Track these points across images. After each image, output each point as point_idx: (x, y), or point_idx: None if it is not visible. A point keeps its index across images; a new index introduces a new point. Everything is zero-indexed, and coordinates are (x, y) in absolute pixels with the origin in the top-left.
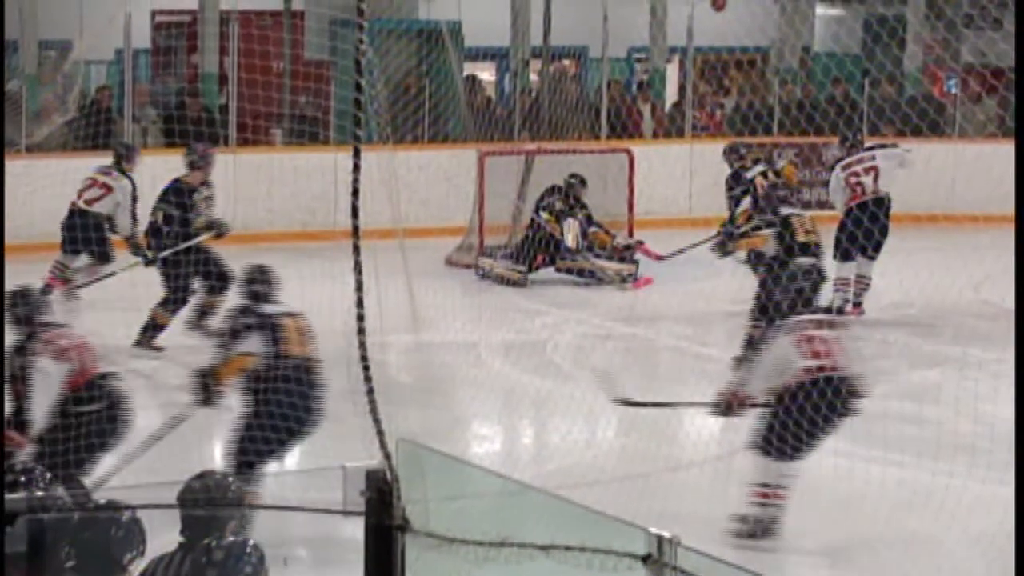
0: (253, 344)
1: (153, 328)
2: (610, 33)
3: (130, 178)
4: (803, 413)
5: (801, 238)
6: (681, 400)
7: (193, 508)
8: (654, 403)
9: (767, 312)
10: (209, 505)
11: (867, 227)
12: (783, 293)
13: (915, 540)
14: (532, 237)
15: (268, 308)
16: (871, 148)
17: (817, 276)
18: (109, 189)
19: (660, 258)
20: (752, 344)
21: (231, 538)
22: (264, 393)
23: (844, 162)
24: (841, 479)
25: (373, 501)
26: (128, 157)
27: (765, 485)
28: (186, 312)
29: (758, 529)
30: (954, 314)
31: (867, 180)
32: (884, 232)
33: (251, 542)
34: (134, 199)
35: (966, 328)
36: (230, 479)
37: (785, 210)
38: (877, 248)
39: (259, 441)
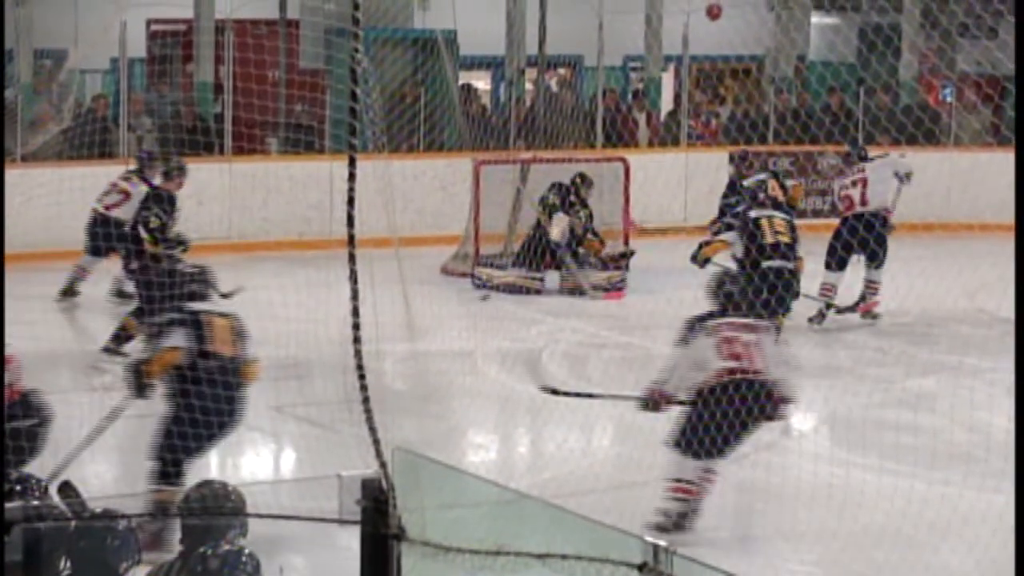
0: (178, 339)
1: (123, 336)
2: (605, 42)
3: (150, 185)
4: (716, 414)
5: (768, 239)
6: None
7: (189, 517)
8: (577, 393)
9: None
10: (205, 514)
11: (863, 236)
12: (741, 295)
13: (911, 548)
14: (538, 239)
15: (197, 306)
16: (872, 160)
17: (787, 276)
18: (128, 195)
19: (644, 230)
20: None
21: (227, 547)
22: (187, 395)
23: (843, 178)
24: (837, 487)
25: (369, 510)
26: (149, 165)
27: (679, 480)
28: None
29: (670, 524)
30: (949, 322)
31: (855, 192)
32: (879, 241)
33: (247, 551)
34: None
35: (961, 337)
36: (230, 489)
37: (754, 212)
38: (873, 257)
39: (180, 438)
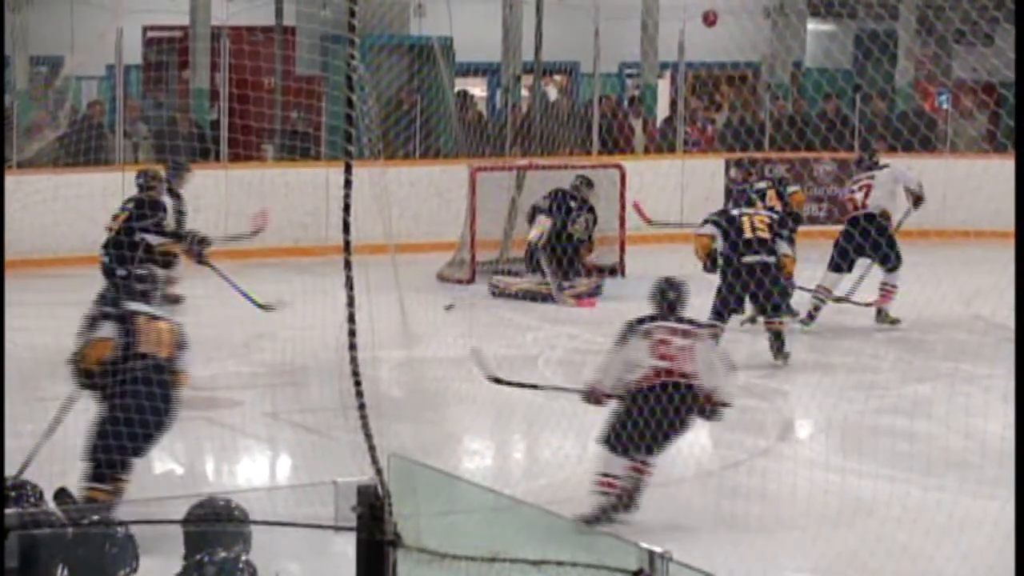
0: (107, 331)
1: None
2: (601, 48)
3: (177, 195)
4: (644, 411)
5: (747, 235)
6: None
7: (186, 526)
8: (520, 383)
9: (724, 316)
10: (201, 523)
11: (858, 242)
12: (680, 303)
13: (906, 555)
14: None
15: (136, 306)
16: (882, 168)
17: (769, 271)
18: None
19: (650, 221)
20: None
21: (223, 554)
22: (118, 394)
23: (850, 182)
24: (832, 494)
25: (365, 516)
26: (177, 175)
27: (605, 475)
28: None
29: (594, 517)
30: (945, 329)
31: (859, 196)
32: (878, 246)
33: (243, 558)
34: (180, 213)
35: (957, 343)
36: (232, 505)
37: (736, 211)
38: (885, 260)
39: (114, 438)
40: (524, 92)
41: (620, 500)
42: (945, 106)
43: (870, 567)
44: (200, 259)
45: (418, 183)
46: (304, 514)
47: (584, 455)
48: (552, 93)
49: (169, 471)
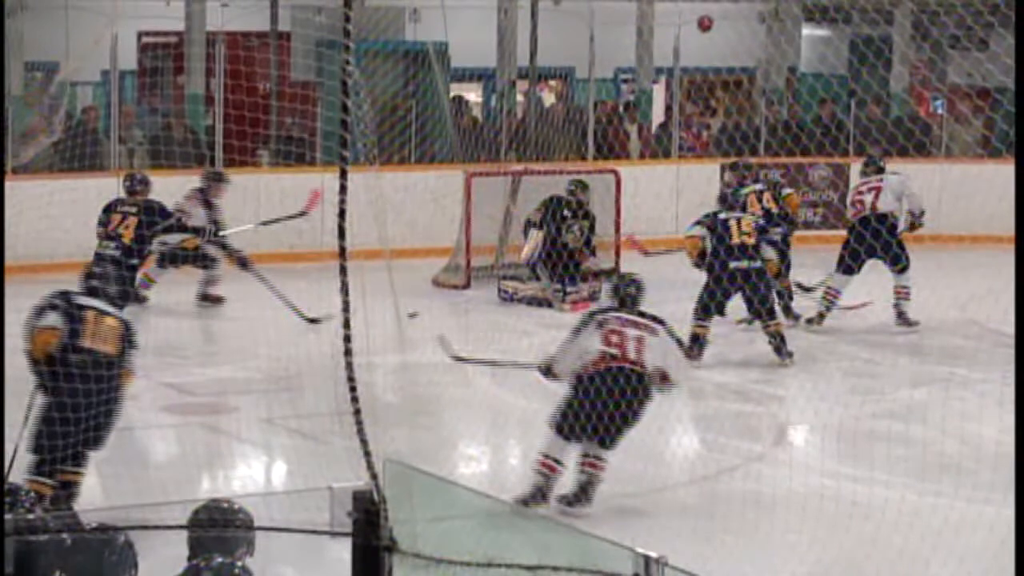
0: (52, 320)
1: None
2: (596, 54)
3: (212, 205)
4: (591, 392)
5: (735, 240)
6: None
7: (188, 531)
8: (480, 360)
9: (710, 311)
10: (197, 528)
11: (870, 243)
12: (637, 296)
13: (901, 560)
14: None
15: (84, 300)
16: (893, 174)
17: (753, 277)
18: (185, 213)
19: (647, 253)
20: (697, 341)
21: (219, 559)
22: (58, 388)
23: (858, 183)
24: (828, 499)
25: (360, 522)
26: (214, 185)
27: (547, 457)
28: None
29: (529, 496)
30: (940, 334)
31: (868, 197)
32: (888, 247)
33: (239, 564)
34: (215, 223)
35: (952, 348)
36: (237, 507)
37: (723, 215)
38: (895, 261)
39: (54, 430)
40: (519, 97)
41: (548, 483)
42: (940, 111)
43: (866, 572)
44: (244, 265)
45: (413, 188)
46: (299, 519)
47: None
48: (547, 98)
49: (165, 476)
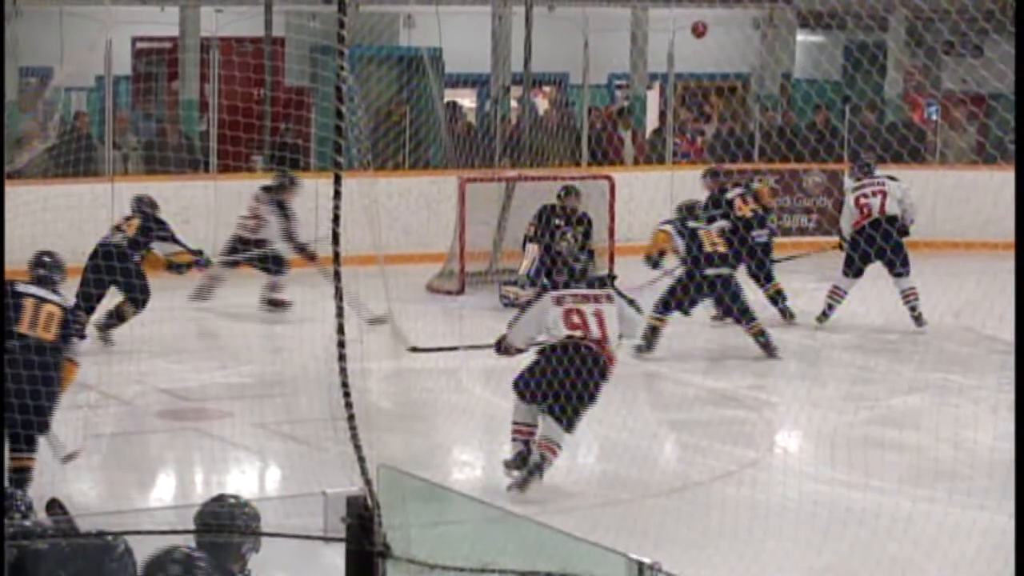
0: None
1: (117, 317)
2: (591, 60)
3: (284, 208)
4: (552, 360)
5: (707, 248)
6: (461, 344)
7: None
8: (439, 348)
9: (671, 308)
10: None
11: (880, 245)
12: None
13: (895, 566)
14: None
15: (21, 287)
16: (893, 179)
17: (728, 283)
18: (261, 219)
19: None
20: (654, 333)
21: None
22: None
23: (855, 186)
24: (822, 505)
25: (354, 527)
26: (285, 189)
27: (516, 423)
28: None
29: (513, 464)
30: (934, 340)
31: (875, 201)
32: (897, 250)
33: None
34: (285, 229)
35: (946, 354)
36: (243, 502)
37: (692, 223)
38: (891, 265)
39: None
40: (513, 103)
41: (528, 446)
42: (934, 118)
43: None
44: (313, 260)
45: (407, 194)
46: (293, 525)
47: (573, 466)
48: (541, 104)
49: (160, 482)
